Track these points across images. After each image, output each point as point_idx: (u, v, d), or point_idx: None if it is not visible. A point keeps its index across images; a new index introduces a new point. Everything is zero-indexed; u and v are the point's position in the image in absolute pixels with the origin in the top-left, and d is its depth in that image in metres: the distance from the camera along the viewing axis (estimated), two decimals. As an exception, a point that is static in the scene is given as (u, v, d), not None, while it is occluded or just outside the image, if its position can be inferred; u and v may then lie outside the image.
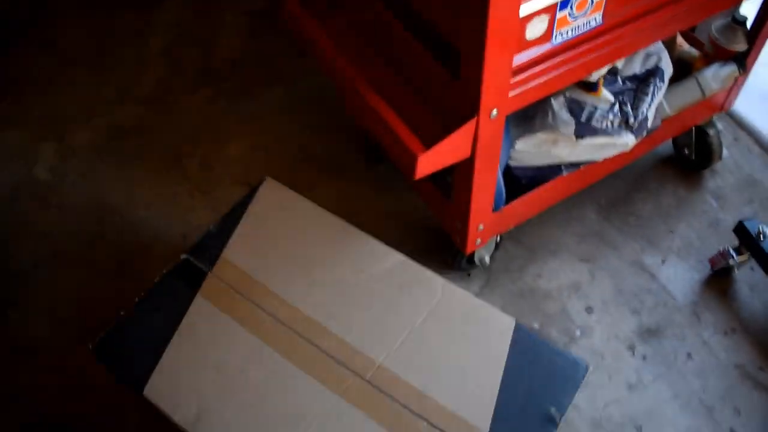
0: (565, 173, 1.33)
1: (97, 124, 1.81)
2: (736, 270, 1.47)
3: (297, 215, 1.17)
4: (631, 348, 1.39)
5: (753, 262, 1.43)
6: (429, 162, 1.04)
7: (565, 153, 1.29)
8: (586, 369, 1.00)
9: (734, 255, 1.41)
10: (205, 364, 1.01)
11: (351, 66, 1.15)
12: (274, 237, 1.14)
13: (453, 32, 1.01)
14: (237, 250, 1.12)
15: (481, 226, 1.28)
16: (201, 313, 1.06)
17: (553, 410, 0.95)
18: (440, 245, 1.46)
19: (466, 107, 1.03)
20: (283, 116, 1.80)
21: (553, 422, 0.94)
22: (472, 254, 1.41)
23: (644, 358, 1.37)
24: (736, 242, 1.42)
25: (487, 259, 1.44)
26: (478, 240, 1.32)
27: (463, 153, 1.09)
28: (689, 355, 1.38)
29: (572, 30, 1.02)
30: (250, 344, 1.02)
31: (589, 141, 1.25)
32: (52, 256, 1.56)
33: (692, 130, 1.54)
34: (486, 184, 1.19)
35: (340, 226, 1.16)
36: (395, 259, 1.11)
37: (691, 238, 1.54)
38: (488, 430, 0.93)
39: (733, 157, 1.64)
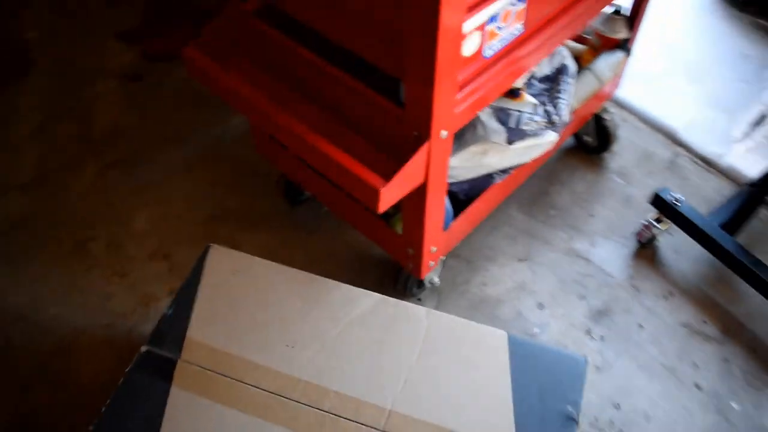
0: (497, 180, 1.36)
1: (-23, 223, 1.63)
2: (658, 238, 1.57)
3: (255, 276, 1.10)
4: (588, 332, 1.44)
5: (671, 228, 1.54)
6: (390, 194, 1.03)
7: (495, 161, 1.32)
8: (586, 362, 1.02)
9: (657, 225, 1.51)
10: (203, 459, 0.92)
11: (283, 109, 1.11)
12: (237, 304, 1.07)
13: (391, 60, 1.00)
14: (201, 327, 1.04)
15: (434, 248, 1.28)
16: (182, 405, 0.96)
17: (569, 409, 0.96)
18: (385, 275, 1.45)
19: (416, 132, 1.02)
20: (185, 177, 1.70)
21: (572, 420, 0.95)
22: (421, 279, 1.40)
23: (602, 338, 1.43)
24: (653, 213, 1.52)
25: (436, 279, 1.44)
26: (431, 263, 1.32)
27: (419, 179, 1.08)
28: (640, 326, 1.45)
29: (500, 42, 1.05)
30: (247, 424, 0.94)
31: (518, 145, 1.28)
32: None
33: (591, 118, 1.63)
34: (437, 206, 1.19)
35: (302, 277, 1.11)
36: (371, 299, 1.08)
37: (611, 218, 1.63)
38: (517, 446, 0.92)
39: (627, 137, 1.76)
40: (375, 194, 1.01)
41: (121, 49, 2.03)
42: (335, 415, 0.95)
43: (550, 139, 1.32)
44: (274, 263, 1.12)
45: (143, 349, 1.02)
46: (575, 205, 1.64)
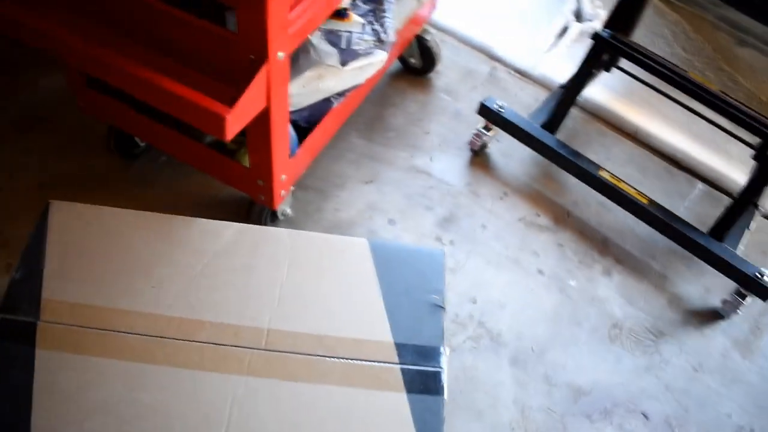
0: (335, 104, 1.39)
1: None
2: (488, 145, 1.69)
3: (105, 225, 1.06)
4: (439, 239, 1.53)
5: (499, 135, 1.66)
6: (236, 120, 1.02)
7: (332, 84, 1.34)
8: (443, 254, 1.09)
9: (486, 132, 1.63)
10: (83, 415, 0.89)
11: (111, 48, 1.05)
12: (91, 256, 1.02)
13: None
14: (57, 285, 0.98)
15: (283, 176, 1.29)
16: (52, 366, 0.92)
17: (435, 298, 1.03)
18: (236, 213, 1.44)
19: (252, 56, 1.02)
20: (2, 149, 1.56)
21: (439, 307, 1.03)
22: (274, 210, 1.41)
23: (452, 242, 1.53)
24: (481, 122, 1.64)
25: (288, 210, 1.46)
26: (283, 192, 1.33)
27: (261, 103, 1.08)
28: (483, 226, 1.57)
29: (323, -42, 1.06)
30: (126, 371, 0.92)
31: (352, 65, 1.31)
32: None
33: (414, 40, 1.70)
34: (282, 132, 1.20)
35: (157, 219, 1.08)
36: (231, 229, 1.07)
37: (444, 133, 1.72)
38: (392, 337, 0.98)
39: (448, 57, 1.86)
40: (221, 122, 1.00)
41: None
42: (214, 344, 0.95)
43: (380, 57, 1.37)
44: (123, 210, 1.08)
45: (-2, 316, 0.95)
46: (410, 125, 1.72)
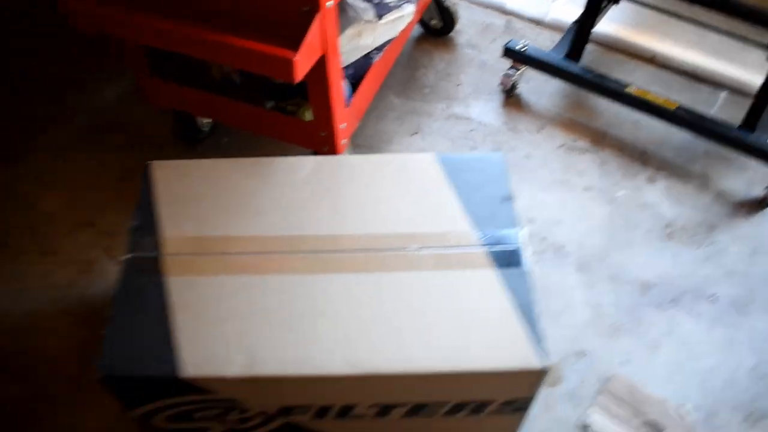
0: (375, 59, 1.51)
1: None
2: (517, 85, 1.80)
3: (203, 173, 1.18)
4: (489, 174, 1.64)
5: (526, 77, 1.78)
6: (302, 62, 1.14)
7: (370, 41, 1.47)
8: (503, 157, 1.20)
9: (514, 72, 1.74)
10: (218, 322, 1.00)
11: (178, 23, 1.19)
12: (196, 198, 1.14)
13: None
14: (172, 225, 1.10)
15: (343, 125, 1.41)
16: (182, 289, 1.03)
17: (504, 191, 1.14)
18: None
19: (306, 7, 1.14)
20: (78, 154, 1.70)
21: (509, 199, 1.13)
22: (337, 159, 1.52)
23: (501, 175, 1.63)
24: (509, 64, 1.75)
25: (347, 166, 1.57)
26: (344, 140, 1.45)
27: (318, 50, 1.20)
28: (528, 157, 1.67)
29: None
30: (248, 284, 1.03)
31: (386, 18, 1.44)
32: None
33: (432, 3, 1.83)
34: (337, 80, 1.32)
35: (245, 162, 1.19)
36: (310, 161, 1.19)
37: (475, 82, 1.84)
38: (473, 226, 1.09)
39: (465, 16, 1.98)
40: (290, 64, 1.12)
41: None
42: (317, 252, 1.06)
43: (409, 10, 1.49)
44: (212, 159, 1.20)
45: (125, 257, 1.07)
46: (442, 80, 1.84)
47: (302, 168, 1.18)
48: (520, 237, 1.08)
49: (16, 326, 1.42)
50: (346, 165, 1.19)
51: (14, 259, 1.52)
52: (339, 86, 1.33)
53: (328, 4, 1.17)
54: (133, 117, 1.77)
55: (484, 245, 1.07)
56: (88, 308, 1.45)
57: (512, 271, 1.04)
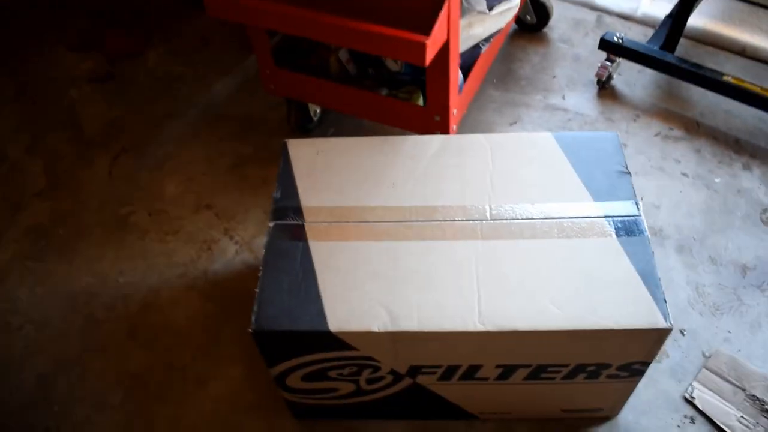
0: (483, 49, 1.60)
1: (12, 237, 1.69)
2: (613, 77, 1.86)
3: (336, 149, 1.28)
4: (587, 160, 1.70)
5: (620, 69, 1.83)
6: (432, 46, 1.24)
7: (479, 31, 1.55)
8: (617, 135, 1.27)
9: (610, 63, 1.80)
10: (360, 283, 1.09)
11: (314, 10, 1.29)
12: (332, 172, 1.24)
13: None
14: (311, 196, 1.20)
15: (455, 111, 1.50)
16: (325, 252, 1.13)
17: (620, 166, 1.20)
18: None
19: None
20: (195, 142, 1.84)
21: (626, 174, 1.20)
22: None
23: (599, 161, 1.70)
24: (603, 56, 1.81)
25: (452, 151, 1.66)
26: (454, 126, 1.54)
27: (443, 36, 1.29)
28: (624, 145, 1.73)
29: None
30: (386, 249, 1.12)
31: (496, 10, 1.52)
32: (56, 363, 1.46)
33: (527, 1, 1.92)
34: (455, 67, 1.41)
35: (376, 140, 1.29)
36: (438, 139, 1.28)
37: (570, 74, 1.91)
38: (593, 198, 1.16)
39: (557, 12, 2.05)
40: (422, 48, 1.21)
41: (77, 59, 2.11)
42: (450, 220, 1.15)
43: (516, 2, 1.57)
44: (343, 138, 1.30)
45: (271, 224, 1.18)
46: (537, 73, 1.91)
47: (430, 145, 1.27)
48: (639, 207, 1.15)
49: (143, 300, 1.55)
50: (470, 142, 1.27)
51: (140, 239, 1.66)
52: (456, 72, 1.42)
53: (453, -7, 1.26)
54: (243, 109, 1.90)
55: (605, 216, 1.14)
56: (210, 283, 1.56)
57: (633, 239, 1.11)
